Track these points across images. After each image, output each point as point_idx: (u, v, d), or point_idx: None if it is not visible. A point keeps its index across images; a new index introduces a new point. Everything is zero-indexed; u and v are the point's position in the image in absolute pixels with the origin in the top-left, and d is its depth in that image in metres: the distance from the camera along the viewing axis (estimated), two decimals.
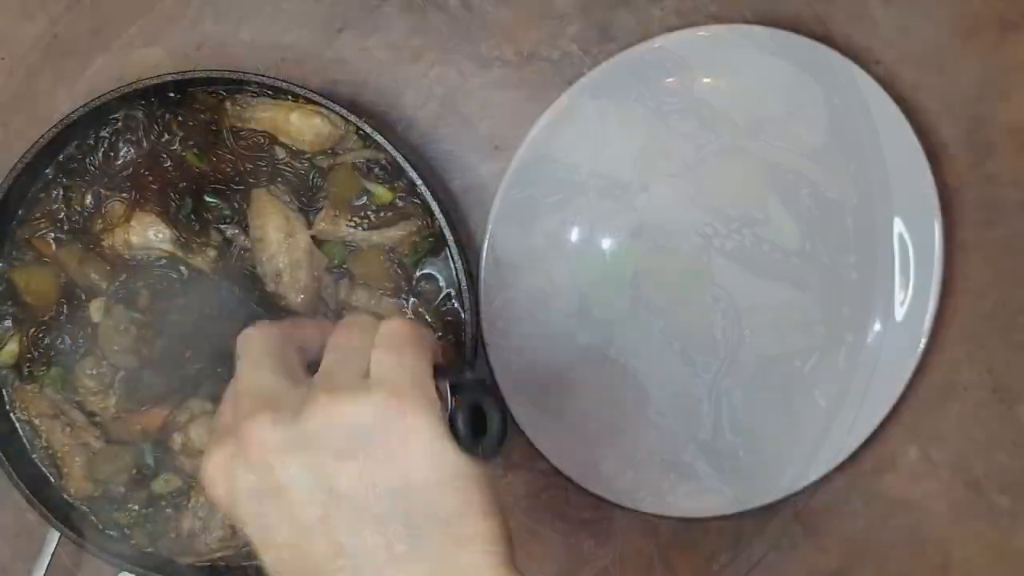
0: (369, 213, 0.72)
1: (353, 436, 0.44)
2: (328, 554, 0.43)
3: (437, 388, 0.47)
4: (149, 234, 0.73)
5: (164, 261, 0.73)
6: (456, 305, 0.73)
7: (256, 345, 0.51)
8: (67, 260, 0.74)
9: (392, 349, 0.47)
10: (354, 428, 0.44)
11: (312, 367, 0.50)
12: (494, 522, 0.44)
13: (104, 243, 0.73)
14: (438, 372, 0.48)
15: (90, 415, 0.75)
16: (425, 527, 0.43)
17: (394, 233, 0.72)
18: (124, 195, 0.73)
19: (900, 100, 0.72)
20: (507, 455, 0.77)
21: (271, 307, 0.72)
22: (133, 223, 0.73)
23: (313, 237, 0.72)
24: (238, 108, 0.73)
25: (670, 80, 0.73)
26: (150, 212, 0.73)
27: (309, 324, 0.54)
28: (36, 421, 0.75)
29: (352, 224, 0.72)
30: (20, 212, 0.75)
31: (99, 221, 0.74)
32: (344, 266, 0.73)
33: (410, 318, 0.50)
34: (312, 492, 0.43)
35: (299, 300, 0.72)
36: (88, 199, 0.74)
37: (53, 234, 0.75)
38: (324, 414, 0.44)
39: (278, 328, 0.52)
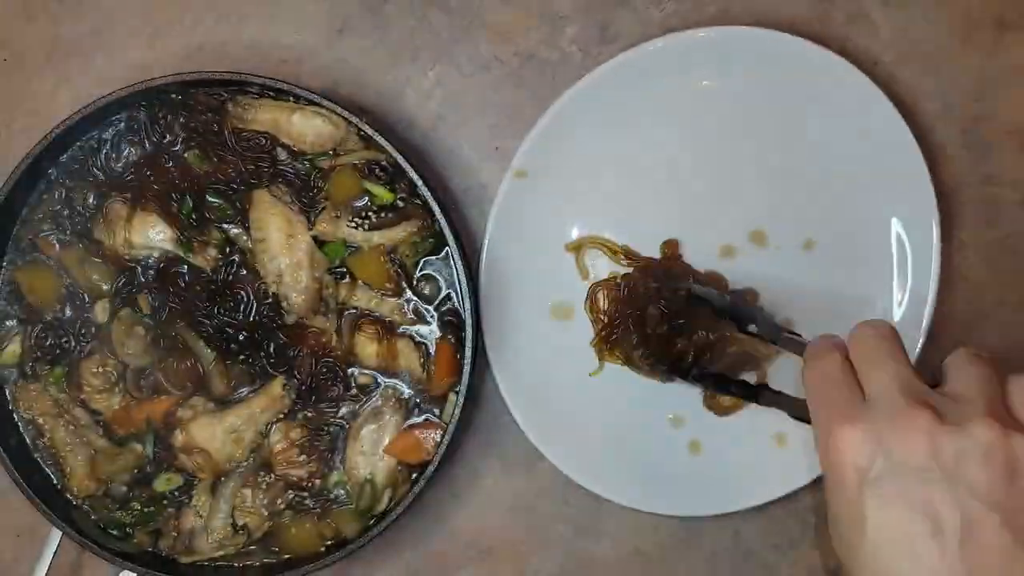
0: (370, 214, 0.73)
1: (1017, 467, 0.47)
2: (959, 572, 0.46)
3: None
4: (150, 233, 0.73)
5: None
6: (456, 305, 0.73)
7: (893, 343, 0.54)
8: (69, 261, 0.75)
9: None
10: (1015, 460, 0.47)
11: None
12: None
13: (105, 243, 0.74)
14: None
15: (93, 413, 0.75)
16: None
17: (395, 234, 0.72)
18: (126, 195, 0.74)
19: (898, 101, 0.72)
20: (507, 455, 0.78)
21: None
22: (134, 223, 0.73)
23: (314, 238, 0.73)
24: (240, 109, 0.73)
25: (670, 81, 0.73)
26: (151, 211, 0.73)
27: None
28: (39, 420, 0.75)
29: (353, 224, 0.72)
30: (23, 212, 0.75)
31: (100, 220, 0.74)
32: (345, 267, 0.74)
33: None
34: (961, 503, 0.47)
35: (300, 300, 0.72)
36: (91, 199, 0.74)
37: (55, 235, 0.75)
38: (995, 437, 0.47)
39: (894, 327, 0.55)
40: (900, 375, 0.51)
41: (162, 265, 0.74)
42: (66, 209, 0.75)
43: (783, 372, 0.74)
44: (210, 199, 0.73)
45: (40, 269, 0.75)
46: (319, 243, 0.73)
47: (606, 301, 0.76)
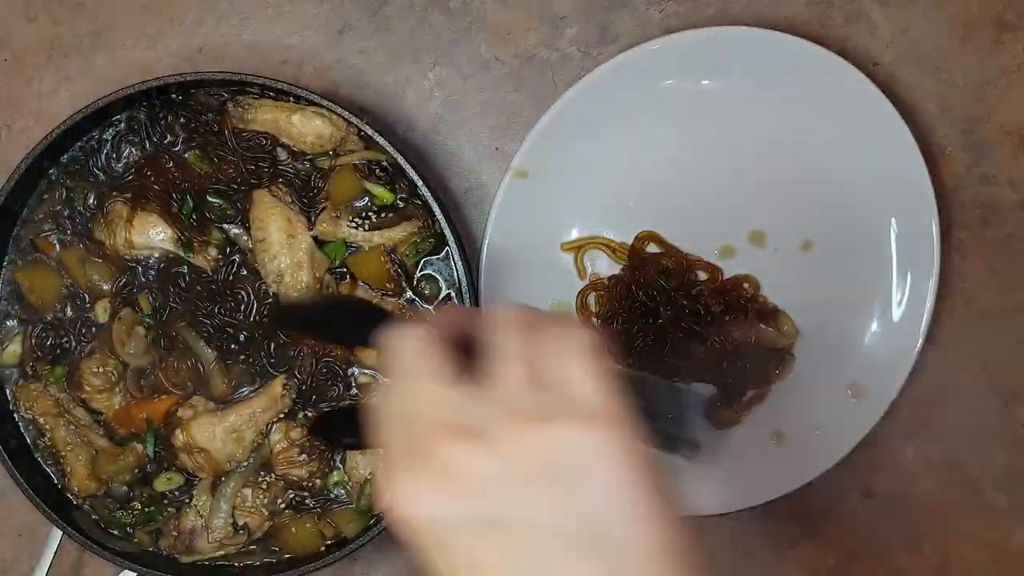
0: (371, 214, 0.73)
1: (562, 466, 0.41)
2: None
3: None
4: (151, 234, 0.73)
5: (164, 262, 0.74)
6: (456, 305, 0.73)
7: (412, 354, 0.45)
8: (70, 261, 0.75)
9: (590, 366, 0.43)
10: (563, 457, 0.41)
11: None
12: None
13: (106, 243, 0.74)
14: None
15: (94, 413, 0.75)
16: (625, 560, 0.40)
17: (395, 234, 0.72)
18: (127, 195, 0.74)
19: (897, 101, 0.72)
20: None
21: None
22: (135, 223, 0.73)
23: (314, 238, 0.73)
24: (240, 109, 0.73)
25: (669, 82, 0.73)
26: (152, 212, 0.73)
27: (453, 314, 0.47)
28: (40, 419, 0.75)
29: (354, 225, 0.73)
30: (24, 212, 0.75)
31: (101, 220, 0.74)
32: (345, 267, 0.74)
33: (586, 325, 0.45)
34: (525, 527, 0.40)
35: None
36: (91, 199, 0.75)
37: (56, 235, 0.75)
38: (529, 443, 0.41)
39: (426, 329, 0.45)
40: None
41: (162, 265, 0.74)
42: (67, 209, 0.75)
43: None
44: (210, 199, 0.73)
45: (41, 269, 0.75)
46: (319, 243, 0.73)
47: (596, 304, 0.76)
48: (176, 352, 0.74)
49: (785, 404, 0.75)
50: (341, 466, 0.74)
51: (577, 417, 0.41)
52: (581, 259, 0.76)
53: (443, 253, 0.73)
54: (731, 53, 0.72)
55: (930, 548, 0.77)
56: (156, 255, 0.74)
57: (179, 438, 0.74)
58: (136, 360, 0.75)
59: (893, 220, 0.73)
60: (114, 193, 0.74)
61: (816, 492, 0.76)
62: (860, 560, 0.77)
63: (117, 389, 0.75)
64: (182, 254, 0.73)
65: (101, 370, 0.75)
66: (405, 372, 0.44)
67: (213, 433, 0.73)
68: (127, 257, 0.74)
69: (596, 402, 0.42)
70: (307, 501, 0.75)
